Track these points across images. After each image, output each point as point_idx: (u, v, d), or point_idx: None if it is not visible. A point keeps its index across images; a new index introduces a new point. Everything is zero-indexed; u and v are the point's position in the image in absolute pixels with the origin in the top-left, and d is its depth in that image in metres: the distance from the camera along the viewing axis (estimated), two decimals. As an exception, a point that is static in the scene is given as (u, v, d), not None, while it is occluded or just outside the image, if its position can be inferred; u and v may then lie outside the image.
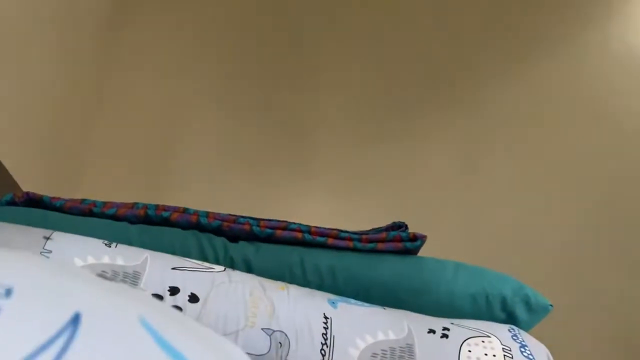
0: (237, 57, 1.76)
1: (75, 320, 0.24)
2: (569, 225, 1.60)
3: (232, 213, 0.84)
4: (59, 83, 1.43)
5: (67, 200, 0.80)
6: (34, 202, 0.79)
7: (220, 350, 0.31)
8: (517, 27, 1.76)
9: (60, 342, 0.23)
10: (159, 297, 0.65)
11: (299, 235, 0.80)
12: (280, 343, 0.65)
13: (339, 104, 1.73)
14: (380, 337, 0.68)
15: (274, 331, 0.66)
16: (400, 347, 0.68)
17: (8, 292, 0.24)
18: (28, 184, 1.20)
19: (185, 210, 0.80)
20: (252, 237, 0.80)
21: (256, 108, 1.73)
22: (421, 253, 0.86)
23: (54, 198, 0.79)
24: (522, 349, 0.72)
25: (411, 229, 0.85)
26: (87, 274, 0.32)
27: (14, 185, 1.20)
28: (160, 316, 0.29)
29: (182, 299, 0.66)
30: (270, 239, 0.80)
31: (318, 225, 0.83)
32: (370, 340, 0.68)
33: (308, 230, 0.81)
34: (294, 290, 0.73)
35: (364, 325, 0.69)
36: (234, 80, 1.74)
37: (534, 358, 0.71)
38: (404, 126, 1.71)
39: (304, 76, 1.75)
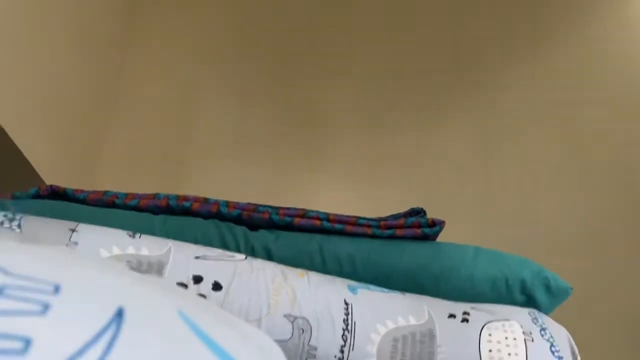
0: (252, 46, 1.76)
1: (119, 315, 0.25)
2: (586, 208, 1.59)
3: (251, 202, 0.85)
4: (77, 77, 1.45)
5: (90, 193, 0.81)
6: (58, 194, 0.81)
7: (251, 339, 0.32)
8: (533, 12, 1.73)
9: (106, 337, 0.24)
10: (183, 285, 0.66)
11: (318, 222, 0.81)
12: (302, 329, 0.67)
13: (354, 90, 1.73)
14: (401, 322, 0.69)
15: (296, 318, 0.67)
16: (421, 332, 0.69)
17: (57, 289, 0.25)
18: (50, 177, 1.23)
19: (205, 200, 0.82)
20: (271, 225, 0.81)
21: (271, 96, 1.73)
22: (439, 238, 0.86)
23: (77, 190, 0.81)
24: (543, 332, 0.72)
25: (428, 215, 0.86)
26: (123, 267, 0.33)
27: (37, 178, 1.22)
28: (195, 307, 0.30)
29: (205, 287, 0.67)
30: (289, 227, 0.81)
31: (336, 212, 0.83)
32: (391, 325, 0.68)
33: (326, 217, 0.82)
34: (315, 277, 0.73)
35: (385, 311, 0.70)
36: (249, 68, 1.75)
37: (554, 341, 0.71)
38: (420, 112, 1.71)
39: (319, 63, 1.75)
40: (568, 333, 0.75)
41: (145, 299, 0.28)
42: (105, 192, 0.82)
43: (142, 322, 0.26)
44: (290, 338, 0.66)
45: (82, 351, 0.23)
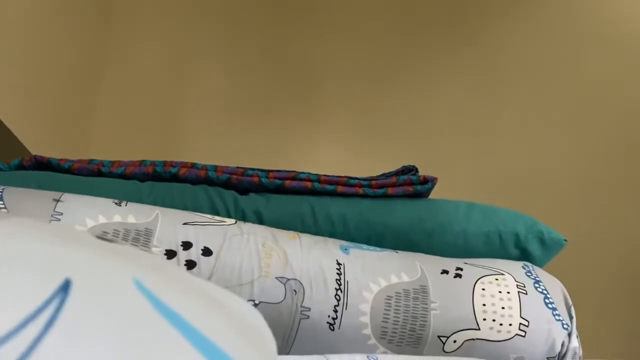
0: (242, 8, 1.72)
1: (65, 287, 0.24)
2: (580, 159, 1.58)
3: (241, 166, 0.83)
4: (63, 48, 1.41)
5: (74, 162, 0.80)
6: (42, 165, 0.79)
7: (221, 305, 0.31)
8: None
9: (48, 312, 0.22)
10: (172, 252, 0.66)
11: (309, 184, 0.80)
12: (295, 290, 0.66)
13: (347, 51, 1.69)
14: (394, 280, 0.69)
15: (288, 279, 0.67)
16: (414, 289, 0.68)
17: None
18: (36, 149, 1.21)
19: (193, 165, 0.80)
20: (261, 188, 0.80)
21: (262, 58, 1.70)
22: (433, 195, 0.85)
23: (61, 160, 0.79)
24: (537, 285, 0.72)
25: (423, 172, 0.85)
26: (84, 236, 0.31)
27: (23, 149, 1.20)
28: (157, 276, 0.28)
29: (195, 253, 0.66)
30: (279, 190, 0.80)
31: (328, 174, 0.82)
32: (384, 283, 0.68)
33: (317, 179, 0.81)
34: (306, 239, 0.73)
35: (377, 269, 0.69)
36: (239, 30, 1.71)
37: (548, 293, 0.71)
38: (414, 69, 1.68)
39: (309, 23, 1.71)
40: (562, 284, 0.75)
41: (99, 268, 0.26)
42: (91, 161, 0.80)
43: (90, 293, 0.24)
44: (283, 300, 0.66)
45: (18, 329, 0.21)
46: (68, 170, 0.78)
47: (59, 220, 0.64)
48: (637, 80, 1.60)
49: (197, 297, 0.29)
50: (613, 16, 1.64)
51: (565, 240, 0.80)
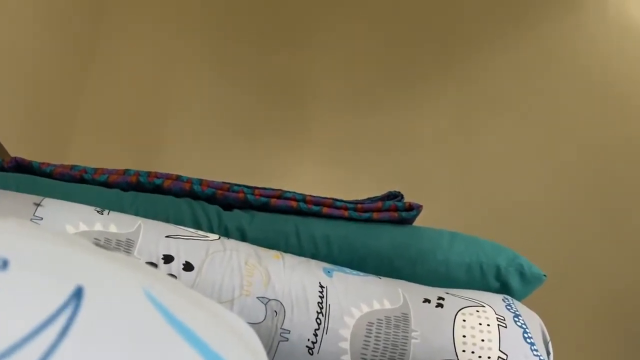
0: (230, 22, 1.72)
1: (78, 294, 0.23)
2: (562, 193, 1.61)
3: (226, 181, 0.82)
4: (46, 48, 1.39)
5: (56, 166, 0.78)
6: (23, 167, 0.78)
7: (222, 320, 0.30)
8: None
9: (62, 319, 0.22)
10: (153, 265, 0.64)
11: (294, 204, 0.79)
12: (275, 312, 0.65)
13: (335, 70, 1.70)
14: (376, 306, 0.68)
15: (270, 300, 0.66)
16: (396, 317, 0.68)
17: (4, 264, 0.23)
18: (15, 150, 1.18)
19: (178, 178, 0.79)
20: (246, 205, 0.79)
21: (250, 74, 1.70)
22: (416, 222, 0.85)
23: (43, 164, 0.78)
24: (516, 319, 0.72)
25: (406, 198, 0.85)
26: (86, 243, 0.30)
27: (2, 151, 1.17)
28: (163, 287, 0.28)
29: (176, 267, 0.65)
30: (264, 208, 0.80)
31: (313, 194, 0.82)
32: (365, 309, 0.68)
33: (303, 199, 0.80)
34: (289, 259, 0.72)
35: (360, 294, 0.69)
36: (228, 45, 1.71)
37: (527, 327, 0.71)
38: (400, 94, 1.69)
39: (298, 42, 1.72)
40: (540, 320, 0.75)
41: (109, 277, 0.26)
42: (73, 167, 0.78)
43: (103, 302, 0.24)
44: (263, 320, 0.65)
45: (31, 336, 0.21)
46: (49, 175, 0.76)
47: (38, 224, 0.62)
48: (617, 115, 1.64)
49: (198, 308, 0.29)
50: (602, 50, 1.68)
51: (545, 275, 0.81)
